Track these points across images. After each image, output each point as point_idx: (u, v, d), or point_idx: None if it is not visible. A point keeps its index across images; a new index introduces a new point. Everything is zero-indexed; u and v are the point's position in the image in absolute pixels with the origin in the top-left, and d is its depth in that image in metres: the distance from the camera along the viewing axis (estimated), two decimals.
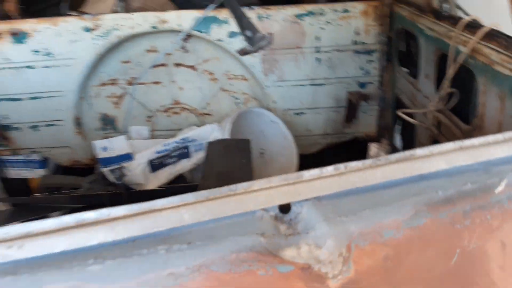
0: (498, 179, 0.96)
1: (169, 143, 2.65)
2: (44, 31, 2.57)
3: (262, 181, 0.89)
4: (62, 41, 2.61)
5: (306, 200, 0.88)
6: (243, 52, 1.78)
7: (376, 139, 3.06)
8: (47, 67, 2.68)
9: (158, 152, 2.59)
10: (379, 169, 0.91)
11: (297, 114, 2.98)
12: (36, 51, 2.63)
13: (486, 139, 0.98)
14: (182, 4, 3.53)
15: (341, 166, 0.92)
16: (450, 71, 1.78)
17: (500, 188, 0.95)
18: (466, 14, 1.84)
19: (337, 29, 2.66)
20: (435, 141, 2.12)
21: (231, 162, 1.60)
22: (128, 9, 2.91)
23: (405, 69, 2.63)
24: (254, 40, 1.69)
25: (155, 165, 2.63)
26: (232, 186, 0.88)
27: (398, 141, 2.91)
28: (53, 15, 2.69)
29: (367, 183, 0.90)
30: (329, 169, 0.91)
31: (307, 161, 2.97)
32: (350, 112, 2.93)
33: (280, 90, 2.89)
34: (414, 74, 2.43)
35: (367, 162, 0.92)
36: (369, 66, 2.78)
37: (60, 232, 0.80)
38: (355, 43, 2.71)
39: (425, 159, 0.94)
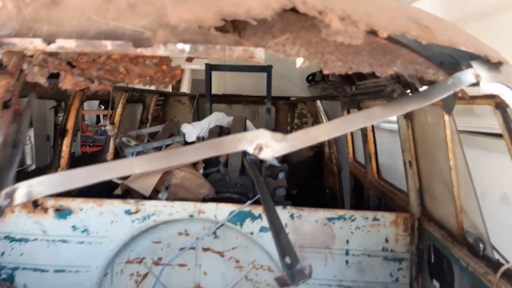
0: None
1: None
2: (88, 210, 2.71)
3: None
4: (102, 220, 2.72)
5: None
6: (281, 284, 1.78)
7: None
8: (80, 243, 2.73)
9: None
10: None
11: None
12: (75, 227, 2.72)
13: None
14: (218, 184, 3.78)
15: None
16: None
17: None
18: (506, 260, 1.88)
19: (367, 235, 2.72)
20: None
21: None
22: (169, 191, 3.10)
23: (436, 283, 2.58)
24: (292, 271, 1.71)
25: None
26: None
27: None
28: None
29: None
30: None
31: None
32: None
33: None
34: None
35: None
36: (399, 273, 2.75)
37: None
38: (385, 250, 2.74)
39: None
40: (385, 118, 1.03)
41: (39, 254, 2.74)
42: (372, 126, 3.80)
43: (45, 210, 2.71)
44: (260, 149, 0.89)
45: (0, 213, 0.77)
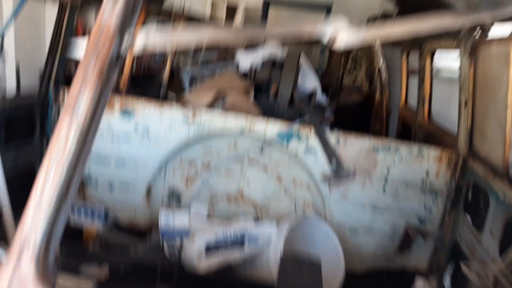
0: None
1: (228, 231, 2.78)
2: (150, 112, 2.97)
3: None
4: (161, 123, 2.98)
5: None
6: (327, 178, 1.96)
7: (425, 274, 3.00)
8: (140, 141, 3.03)
9: (216, 237, 2.72)
10: None
11: (352, 231, 3.04)
12: (137, 126, 3.01)
13: None
14: (266, 111, 3.93)
15: None
16: None
17: None
18: None
19: (408, 167, 2.81)
20: None
21: (302, 283, 1.68)
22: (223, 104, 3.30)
23: (468, 215, 2.67)
24: (338, 169, 1.87)
25: (210, 249, 2.73)
26: None
27: (447, 281, 2.82)
28: (154, 94, 3.05)
29: None
30: None
31: (353, 280, 2.93)
32: (405, 244, 2.95)
33: (341, 206, 3.00)
34: (477, 224, 2.46)
35: None
36: (432, 205, 2.86)
37: None
38: (424, 182, 2.83)
39: None
40: (454, 25, 1.09)
41: (104, 148, 3.08)
42: (431, 71, 3.72)
43: (112, 108, 2.99)
44: (335, 38, 0.97)
45: (123, 58, 0.94)
